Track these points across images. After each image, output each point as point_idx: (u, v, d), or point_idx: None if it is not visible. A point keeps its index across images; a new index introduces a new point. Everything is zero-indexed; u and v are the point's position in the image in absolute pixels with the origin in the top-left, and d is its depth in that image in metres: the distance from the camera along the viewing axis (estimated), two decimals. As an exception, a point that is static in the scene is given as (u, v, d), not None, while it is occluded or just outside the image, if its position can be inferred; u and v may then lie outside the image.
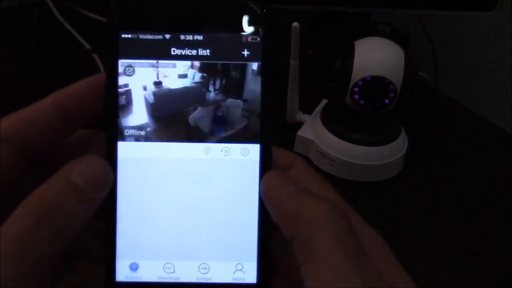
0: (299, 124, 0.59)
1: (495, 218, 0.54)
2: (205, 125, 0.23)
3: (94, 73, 0.71)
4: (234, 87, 0.23)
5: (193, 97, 0.23)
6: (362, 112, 0.53)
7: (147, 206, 0.23)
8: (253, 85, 0.23)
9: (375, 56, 0.51)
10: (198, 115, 0.23)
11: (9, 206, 0.22)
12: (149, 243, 0.23)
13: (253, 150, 0.23)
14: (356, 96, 0.52)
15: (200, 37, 0.23)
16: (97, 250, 0.24)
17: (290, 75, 0.55)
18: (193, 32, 0.23)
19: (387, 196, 0.55)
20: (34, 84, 0.66)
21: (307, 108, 0.60)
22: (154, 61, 0.23)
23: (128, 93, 0.23)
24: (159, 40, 0.23)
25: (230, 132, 0.23)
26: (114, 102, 0.23)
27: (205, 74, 0.23)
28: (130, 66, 0.23)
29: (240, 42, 0.23)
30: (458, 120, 0.68)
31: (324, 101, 0.61)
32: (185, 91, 0.23)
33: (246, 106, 0.23)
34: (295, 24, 0.50)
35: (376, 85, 0.51)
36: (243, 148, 0.23)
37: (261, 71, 0.23)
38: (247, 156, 0.23)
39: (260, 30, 0.23)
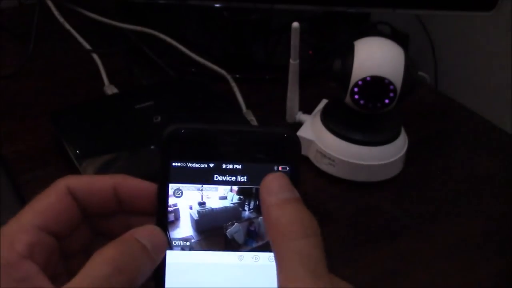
0: (299, 124, 0.59)
1: (495, 217, 0.54)
2: (240, 238, 0.28)
3: (94, 73, 0.70)
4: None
5: (231, 215, 0.28)
6: (362, 112, 0.53)
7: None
8: None
9: (375, 56, 0.51)
10: (234, 230, 0.28)
11: (65, 253, 0.27)
12: None
13: None
14: (356, 96, 0.52)
15: (238, 166, 0.27)
16: None
17: (290, 75, 0.55)
18: (232, 162, 0.27)
19: (387, 196, 0.55)
20: (34, 84, 0.66)
21: (307, 108, 0.60)
22: (199, 186, 0.28)
23: (176, 211, 0.28)
24: (204, 168, 0.27)
25: (260, 243, 0.28)
26: (164, 218, 0.27)
27: (241, 197, 0.28)
28: (178, 189, 0.28)
29: (272, 171, 0.27)
30: (458, 120, 0.68)
31: (324, 101, 0.61)
32: (224, 210, 0.28)
33: None
34: (295, 24, 0.50)
35: (376, 85, 0.51)
36: (269, 256, 0.27)
37: None
38: (273, 262, 0.26)
39: (289, 162, 0.27)
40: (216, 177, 0.27)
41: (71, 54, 0.70)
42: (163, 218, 0.27)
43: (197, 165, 0.27)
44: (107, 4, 0.76)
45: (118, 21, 0.69)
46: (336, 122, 0.56)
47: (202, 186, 0.27)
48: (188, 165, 0.27)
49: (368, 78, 0.51)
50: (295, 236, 0.24)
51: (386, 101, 0.51)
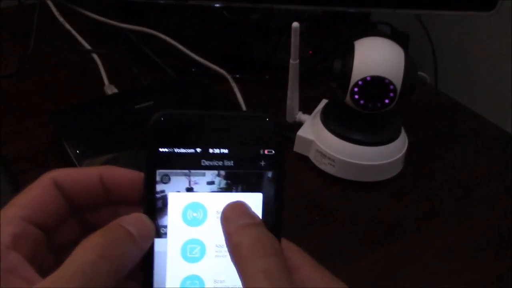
0: (299, 124, 0.59)
1: (495, 217, 0.54)
2: None
3: (94, 73, 0.70)
4: (253, 192, 0.28)
5: None
6: (362, 112, 0.53)
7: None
8: (268, 190, 0.28)
9: (375, 56, 0.51)
10: None
11: (53, 246, 0.27)
12: None
13: None
14: (356, 96, 0.52)
15: (225, 151, 0.27)
16: None
17: (290, 75, 0.55)
18: (219, 147, 0.27)
19: (387, 196, 0.55)
20: (34, 84, 0.66)
21: (307, 108, 0.60)
22: (187, 171, 0.27)
23: (164, 198, 0.27)
24: (191, 153, 0.27)
25: None
26: (152, 205, 0.27)
27: (229, 181, 0.28)
28: (166, 175, 0.27)
29: (258, 154, 0.28)
30: (458, 120, 0.68)
31: (324, 101, 0.61)
32: None
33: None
34: (295, 24, 0.50)
35: (376, 85, 0.51)
36: None
37: (274, 178, 0.28)
38: None
39: (274, 145, 0.28)
40: (204, 162, 0.27)
41: (71, 54, 0.70)
42: (151, 205, 0.27)
43: (184, 151, 0.27)
44: (107, 4, 0.76)
45: (118, 21, 0.69)
46: (336, 122, 0.56)
47: (189, 172, 0.27)
48: (175, 151, 0.27)
49: (368, 78, 0.51)
50: (256, 256, 0.24)
51: (386, 101, 0.51)
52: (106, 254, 0.23)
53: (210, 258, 0.27)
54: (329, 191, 0.55)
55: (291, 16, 0.68)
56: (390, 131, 0.56)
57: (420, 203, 0.55)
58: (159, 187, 0.27)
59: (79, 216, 0.28)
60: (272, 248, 0.25)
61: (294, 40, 0.51)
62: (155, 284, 0.27)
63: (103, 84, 0.64)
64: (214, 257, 0.27)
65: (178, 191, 0.27)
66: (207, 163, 0.27)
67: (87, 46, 0.68)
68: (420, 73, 0.63)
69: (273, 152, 0.28)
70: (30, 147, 0.57)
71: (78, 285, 0.22)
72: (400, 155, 0.56)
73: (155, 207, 0.27)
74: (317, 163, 0.56)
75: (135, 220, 0.26)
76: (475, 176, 0.59)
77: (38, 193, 0.27)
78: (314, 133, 0.57)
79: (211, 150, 0.27)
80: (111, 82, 0.64)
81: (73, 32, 0.68)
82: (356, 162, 0.54)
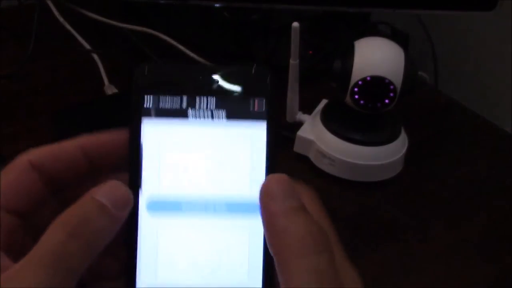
0: (299, 124, 0.59)
1: (495, 218, 0.54)
2: None
3: (94, 73, 0.70)
4: None
5: None
6: (362, 112, 0.53)
7: (165, 243, 0.26)
8: None
9: (375, 56, 0.51)
10: None
11: (33, 230, 0.25)
12: (166, 274, 0.26)
13: None
14: (356, 96, 0.52)
15: (213, 99, 0.26)
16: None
17: (290, 75, 0.55)
18: (207, 95, 0.26)
19: (387, 196, 0.55)
20: (34, 84, 0.66)
21: (307, 108, 0.60)
22: (174, 120, 0.26)
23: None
24: (177, 101, 0.26)
25: None
26: (137, 158, 0.26)
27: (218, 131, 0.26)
28: (151, 126, 0.26)
29: (248, 103, 0.26)
30: (458, 120, 0.68)
31: (324, 101, 0.61)
32: None
33: None
34: (295, 24, 0.50)
35: (376, 85, 0.51)
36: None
37: (266, 129, 0.26)
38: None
39: (266, 93, 0.26)
40: (190, 112, 0.26)
41: (71, 54, 0.70)
42: (135, 158, 0.25)
43: (170, 100, 0.26)
44: (107, 4, 0.76)
45: (118, 21, 0.69)
46: (336, 122, 0.56)
47: (176, 121, 0.26)
48: (161, 101, 0.26)
49: (368, 78, 0.51)
50: (306, 252, 0.22)
51: (386, 101, 0.51)
52: (76, 232, 0.22)
53: (199, 220, 0.25)
54: (329, 191, 0.55)
55: (291, 16, 0.68)
56: (390, 131, 0.56)
57: (420, 203, 0.55)
58: (144, 141, 0.26)
59: (61, 194, 0.27)
60: (325, 244, 0.22)
61: (294, 40, 0.51)
62: (139, 254, 0.25)
63: (103, 84, 0.64)
64: (203, 219, 0.25)
65: (166, 145, 0.26)
66: (194, 112, 0.26)
67: (87, 46, 0.68)
68: (420, 73, 0.63)
69: (264, 100, 0.26)
70: (31, 147, 0.57)
71: (48, 267, 0.21)
72: (400, 155, 0.56)
73: (141, 165, 0.25)
74: (317, 163, 0.56)
75: (108, 189, 0.24)
76: (475, 176, 0.59)
77: (13, 178, 0.25)
78: (314, 133, 0.57)
79: (198, 99, 0.26)
80: (111, 82, 0.64)
81: (73, 32, 0.68)
82: (356, 162, 0.54)
